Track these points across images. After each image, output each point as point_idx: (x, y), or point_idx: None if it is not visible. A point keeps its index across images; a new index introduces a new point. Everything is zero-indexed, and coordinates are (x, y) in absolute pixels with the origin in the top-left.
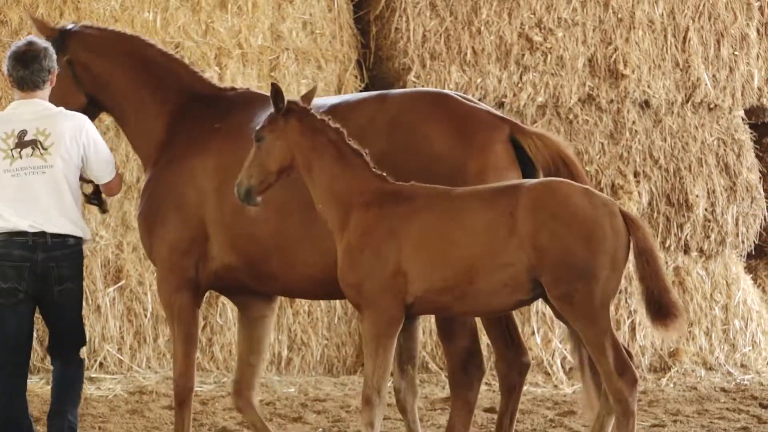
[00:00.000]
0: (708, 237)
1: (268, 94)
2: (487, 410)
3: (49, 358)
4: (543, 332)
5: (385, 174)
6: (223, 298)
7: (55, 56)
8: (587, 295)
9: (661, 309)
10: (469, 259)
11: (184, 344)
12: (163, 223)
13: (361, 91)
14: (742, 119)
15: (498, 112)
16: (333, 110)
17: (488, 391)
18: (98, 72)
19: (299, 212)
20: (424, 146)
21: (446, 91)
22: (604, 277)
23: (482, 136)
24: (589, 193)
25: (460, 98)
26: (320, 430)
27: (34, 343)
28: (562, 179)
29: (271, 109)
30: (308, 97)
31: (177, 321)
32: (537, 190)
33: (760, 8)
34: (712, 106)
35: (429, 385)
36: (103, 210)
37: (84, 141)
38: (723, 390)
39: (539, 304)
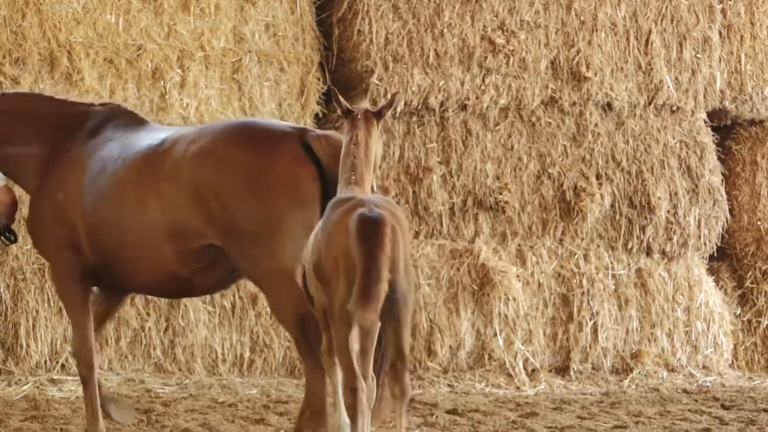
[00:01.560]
0: (670, 239)
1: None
2: (449, 412)
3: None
4: (505, 334)
5: None
6: (185, 300)
7: None
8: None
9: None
10: None
11: (78, 327)
12: (47, 225)
13: (324, 93)
14: (705, 122)
15: (292, 124)
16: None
17: (450, 393)
18: None
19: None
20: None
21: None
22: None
23: (272, 147)
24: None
25: (259, 121)
26: (282, 431)
27: None
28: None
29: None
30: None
31: (70, 307)
32: None
33: (723, 11)
34: (674, 108)
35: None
36: (12, 241)
37: None
38: (685, 391)
39: (501, 306)
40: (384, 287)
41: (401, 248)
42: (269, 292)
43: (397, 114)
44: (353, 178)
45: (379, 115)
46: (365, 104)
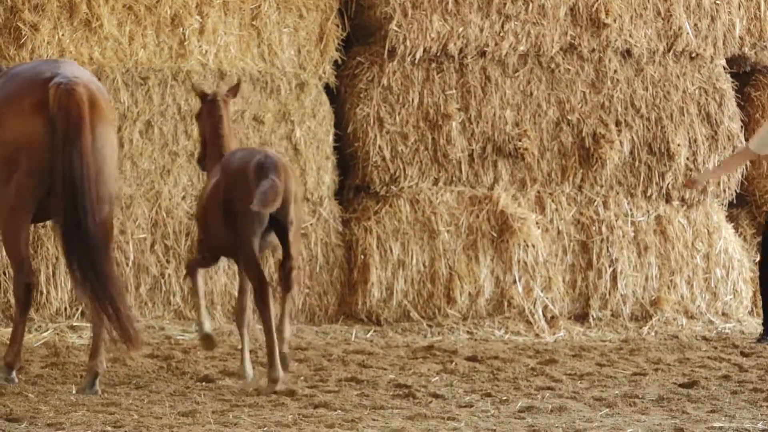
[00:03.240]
0: None
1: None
2: (468, 359)
3: None
4: (525, 281)
5: None
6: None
7: None
8: None
9: None
10: None
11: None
12: None
13: (342, 40)
14: (724, 68)
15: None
16: None
17: (470, 340)
18: None
19: None
20: None
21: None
22: None
23: None
24: None
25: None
26: (302, 378)
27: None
28: None
29: None
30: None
31: None
32: None
33: None
34: (693, 55)
35: (410, 333)
36: None
37: None
38: (704, 338)
39: (521, 253)
40: (279, 196)
41: (292, 184)
42: None
43: (416, 60)
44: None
45: (230, 98)
46: (221, 89)
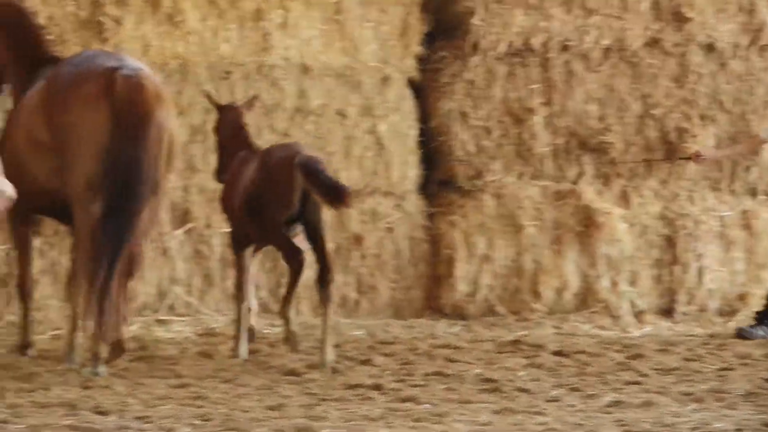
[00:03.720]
0: None
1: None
2: (555, 353)
3: None
4: (610, 276)
5: None
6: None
7: None
8: None
9: None
10: None
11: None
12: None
13: (425, 34)
14: None
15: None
16: None
17: (556, 335)
18: None
19: None
20: None
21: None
22: None
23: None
24: None
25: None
26: (388, 372)
27: None
28: None
29: None
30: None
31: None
32: None
33: None
34: None
35: (496, 328)
36: None
37: None
38: None
39: (606, 248)
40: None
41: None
42: None
43: (499, 55)
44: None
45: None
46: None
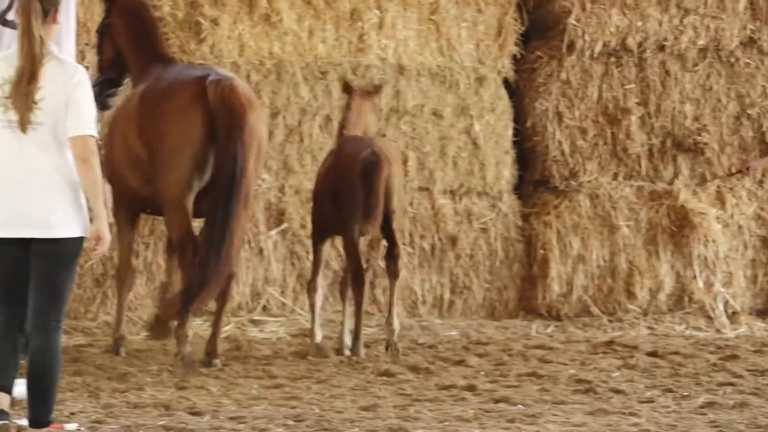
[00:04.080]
0: None
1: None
2: (649, 354)
3: None
4: (705, 276)
5: None
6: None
7: None
8: None
9: None
10: None
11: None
12: None
13: (521, 34)
14: None
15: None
16: None
17: (650, 335)
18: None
19: None
20: None
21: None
22: None
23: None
24: None
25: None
26: (482, 373)
27: None
28: None
29: None
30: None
31: None
32: None
33: None
34: None
35: (591, 328)
36: None
37: None
38: None
39: (701, 248)
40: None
41: (395, 176)
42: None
43: (595, 55)
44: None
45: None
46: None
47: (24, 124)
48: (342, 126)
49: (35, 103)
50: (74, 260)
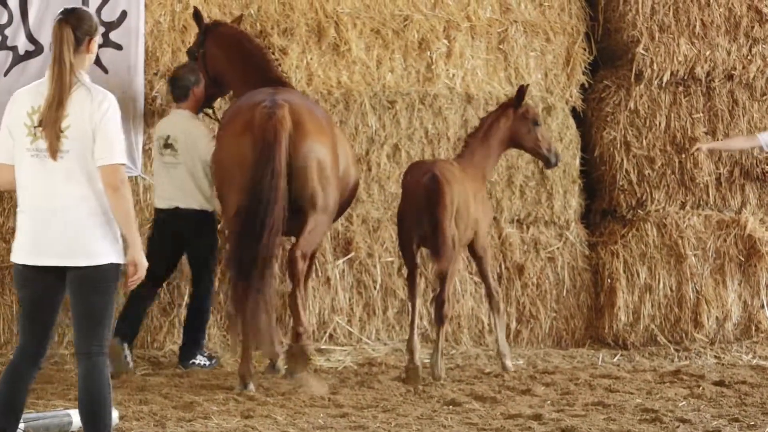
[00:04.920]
0: None
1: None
2: (716, 383)
3: None
4: None
5: None
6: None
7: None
8: None
9: None
10: None
11: None
12: None
13: (589, 63)
14: None
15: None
16: None
17: (717, 365)
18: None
19: None
20: None
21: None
22: None
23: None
24: None
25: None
26: (549, 402)
27: None
28: None
29: None
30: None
31: None
32: None
33: None
34: None
35: (657, 358)
36: None
37: None
38: None
39: None
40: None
41: (447, 201)
42: None
43: (663, 84)
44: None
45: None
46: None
47: (53, 152)
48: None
49: (62, 131)
50: (110, 286)
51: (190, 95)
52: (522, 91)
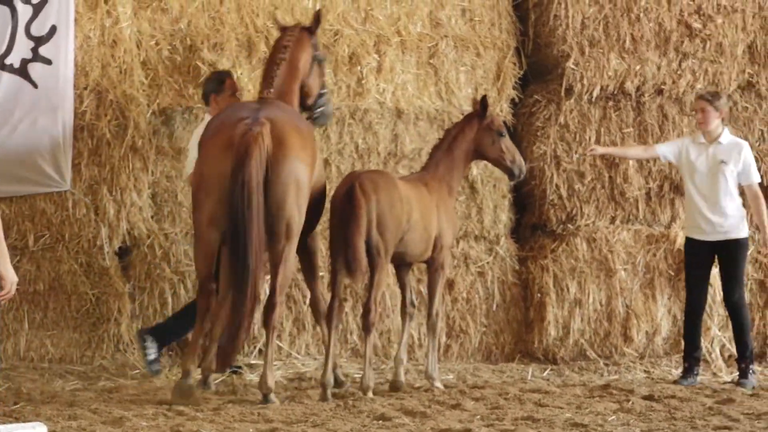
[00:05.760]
0: None
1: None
2: (645, 398)
3: None
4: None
5: None
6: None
7: None
8: None
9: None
10: None
11: None
12: None
13: (519, 78)
14: None
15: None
16: None
17: (647, 379)
18: None
19: None
20: None
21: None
22: None
23: None
24: None
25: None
26: (478, 417)
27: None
28: None
29: None
30: None
31: None
32: None
33: None
34: None
35: (587, 372)
36: None
37: None
38: None
39: None
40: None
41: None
42: None
43: (593, 99)
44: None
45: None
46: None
47: None
48: None
49: None
50: None
51: (210, 101)
52: (485, 101)
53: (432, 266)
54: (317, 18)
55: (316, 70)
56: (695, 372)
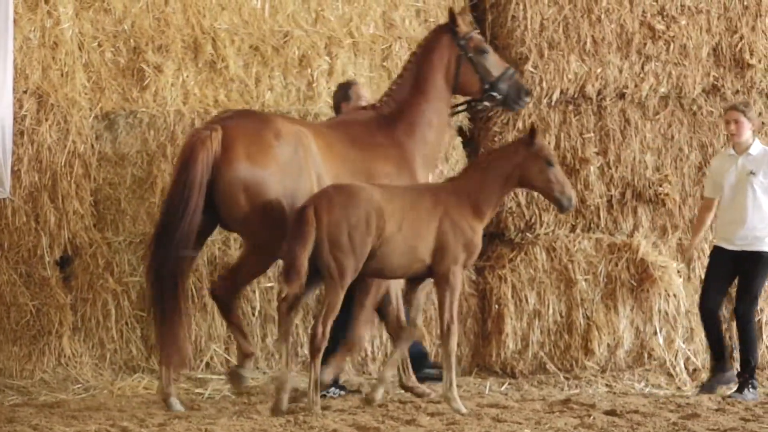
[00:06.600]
0: None
1: None
2: (607, 413)
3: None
4: (666, 332)
5: None
6: None
7: None
8: None
9: None
10: None
11: None
12: None
13: None
14: None
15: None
16: None
17: (609, 393)
18: None
19: None
20: None
21: None
22: None
23: None
24: None
25: None
26: None
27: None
28: None
29: None
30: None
31: None
32: None
33: None
34: None
35: (546, 386)
36: None
37: None
38: None
39: (661, 303)
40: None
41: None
42: None
43: (553, 102)
44: None
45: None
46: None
47: None
48: None
49: None
50: None
51: (341, 110)
52: (534, 129)
53: (434, 280)
54: (452, 17)
55: (467, 67)
56: (726, 368)
